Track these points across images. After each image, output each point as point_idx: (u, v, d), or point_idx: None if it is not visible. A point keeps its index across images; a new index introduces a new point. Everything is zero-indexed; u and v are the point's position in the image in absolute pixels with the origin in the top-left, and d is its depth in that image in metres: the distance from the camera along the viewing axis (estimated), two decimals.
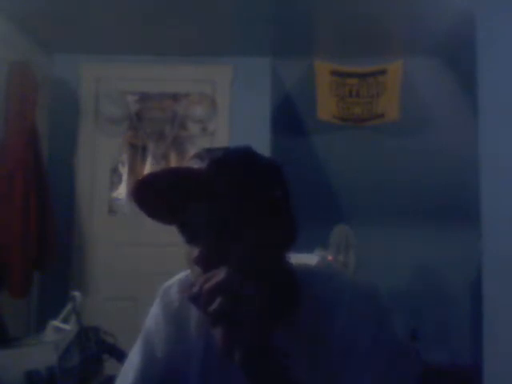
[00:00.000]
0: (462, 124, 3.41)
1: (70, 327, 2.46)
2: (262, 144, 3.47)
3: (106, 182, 3.73)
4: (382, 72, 3.54)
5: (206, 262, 0.86)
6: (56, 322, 2.50)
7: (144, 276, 3.35)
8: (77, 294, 2.58)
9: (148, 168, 3.74)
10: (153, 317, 1.06)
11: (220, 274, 0.79)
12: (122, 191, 3.75)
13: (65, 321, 2.51)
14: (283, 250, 0.96)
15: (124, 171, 3.76)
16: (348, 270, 3.42)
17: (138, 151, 3.77)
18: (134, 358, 1.04)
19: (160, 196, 0.91)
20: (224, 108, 3.70)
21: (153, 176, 0.92)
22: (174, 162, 3.75)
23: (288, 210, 0.95)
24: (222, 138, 3.64)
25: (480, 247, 2.33)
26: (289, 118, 3.84)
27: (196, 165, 0.92)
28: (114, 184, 3.74)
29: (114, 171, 3.75)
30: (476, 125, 2.34)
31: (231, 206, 0.88)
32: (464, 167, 3.06)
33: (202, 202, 0.89)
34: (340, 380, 0.90)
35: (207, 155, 0.93)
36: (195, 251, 0.88)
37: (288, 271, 0.98)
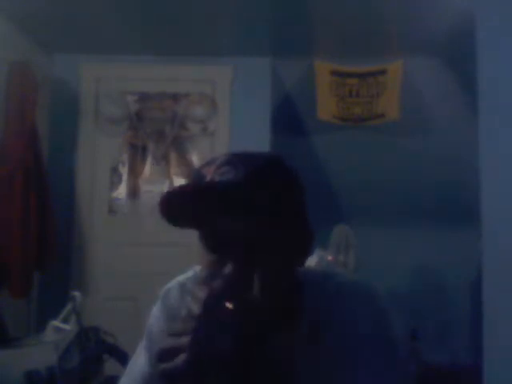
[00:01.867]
0: (462, 124, 3.41)
1: (70, 327, 2.47)
2: (262, 144, 3.48)
3: (106, 182, 3.73)
4: (382, 72, 3.54)
5: (241, 277, 0.82)
6: (56, 322, 2.50)
7: (144, 276, 3.35)
8: (77, 294, 2.59)
9: (148, 168, 3.74)
10: (154, 318, 1.06)
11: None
12: (122, 191, 3.75)
13: (65, 321, 2.51)
14: (302, 263, 0.96)
15: (124, 171, 3.76)
16: (348, 269, 3.42)
17: (137, 151, 3.77)
18: (139, 358, 1.04)
19: (189, 210, 0.88)
20: (224, 108, 3.70)
21: (182, 190, 0.89)
22: (173, 162, 3.75)
23: (308, 221, 0.95)
24: (222, 138, 3.64)
25: (480, 247, 2.33)
26: (289, 118, 3.84)
27: (228, 173, 0.88)
28: (113, 184, 3.74)
29: (114, 171, 3.75)
30: (476, 125, 2.34)
31: (266, 220, 0.86)
32: (464, 167, 3.07)
33: (235, 214, 0.86)
34: (338, 379, 0.90)
35: (239, 163, 0.89)
36: (225, 264, 0.84)
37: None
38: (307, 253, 0.95)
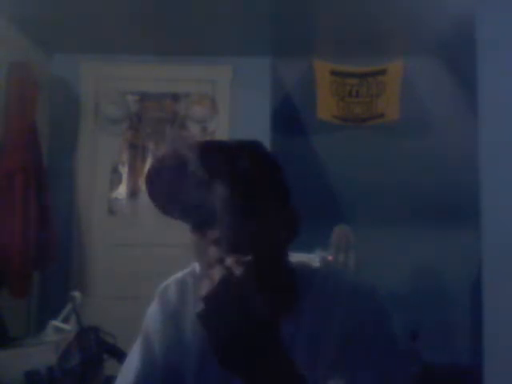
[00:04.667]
0: (462, 124, 3.40)
1: (69, 327, 2.47)
2: None
3: (106, 182, 3.73)
4: (382, 72, 3.54)
5: (227, 242, 0.86)
6: (56, 322, 2.50)
7: (144, 276, 3.34)
8: (77, 294, 2.58)
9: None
10: (151, 316, 1.06)
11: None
12: (122, 191, 3.75)
13: (65, 321, 2.51)
14: (285, 243, 0.97)
15: (124, 171, 3.76)
16: (348, 270, 3.41)
17: (138, 151, 3.77)
18: (133, 357, 1.04)
19: (177, 170, 0.91)
20: (224, 108, 3.70)
21: (170, 152, 0.93)
22: None
23: (291, 204, 0.98)
24: (222, 137, 3.64)
25: (480, 247, 2.33)
26: (289, 117, 3.84)
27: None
28: (113, 184, 3.74)
29: (114, 171, 3.75)
30: (476, 125, 2.34)
31: (248, 188, 0.90)
32: (464, 167, 3.06)
33: (218, 179, 0.89)
34: (339, 377, 0.90)
35: (220, 140, 0.97)
36: (211, 233, 0.88)
37: (288, 269, 0.98)
38: (293, 231, 0.97)
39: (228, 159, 0.90)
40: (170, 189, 0.92)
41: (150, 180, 0.93)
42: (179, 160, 0.91)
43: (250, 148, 0.96)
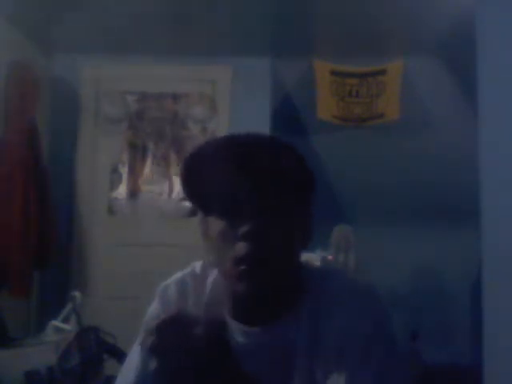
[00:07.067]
0: (462, 124, 3.41)
1: (69, 327, 2.47)
2: None
3: (106, 182, 3.73)
4: (382, 72, 3.54)
5: (257, 236, 0.87)
6: (56, 322, 2.50)
7: (144, 276, 3.34)
8: (77, 294, 2.58)
9: (148, 168, 3.74)
10: (152, 316, 1.06)
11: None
12: (122, 191, 3.75)
13: (65, 321, 2.51)
14: (302, 246, 0.99)
15: (124, 171, 3.76)
16: (348, 269, 3.41)
17: (138, 151, 3.77)
18: (133, 357, 1.04)
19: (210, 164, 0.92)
20: (224, 108, 3.70)
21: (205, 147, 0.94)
22: (173, 162, 3.75)
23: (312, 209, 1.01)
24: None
25: (480, 247, 2.33)
26: (289, 118, 3.83)
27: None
28: (113, 184, 3.74)
29: (114, 171, 3.75)
30: (476, 125, 2.34)
31: (282, 187, 0.92)
32: (464, 167, 3.06)
33: (252, 174, 0.90)
34: (339, 378, 0.90)
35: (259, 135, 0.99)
36: (241, 225, 0.89)
37: (297, 271, 0.99)
38: (310, 235, 0.99)
39: (265, 158, 0.92)
40: (206, 181, 0.94)
41: (186, 173, 0.95)
42: (215, 154, 0.93)
43: (288, 149, 0.97)
